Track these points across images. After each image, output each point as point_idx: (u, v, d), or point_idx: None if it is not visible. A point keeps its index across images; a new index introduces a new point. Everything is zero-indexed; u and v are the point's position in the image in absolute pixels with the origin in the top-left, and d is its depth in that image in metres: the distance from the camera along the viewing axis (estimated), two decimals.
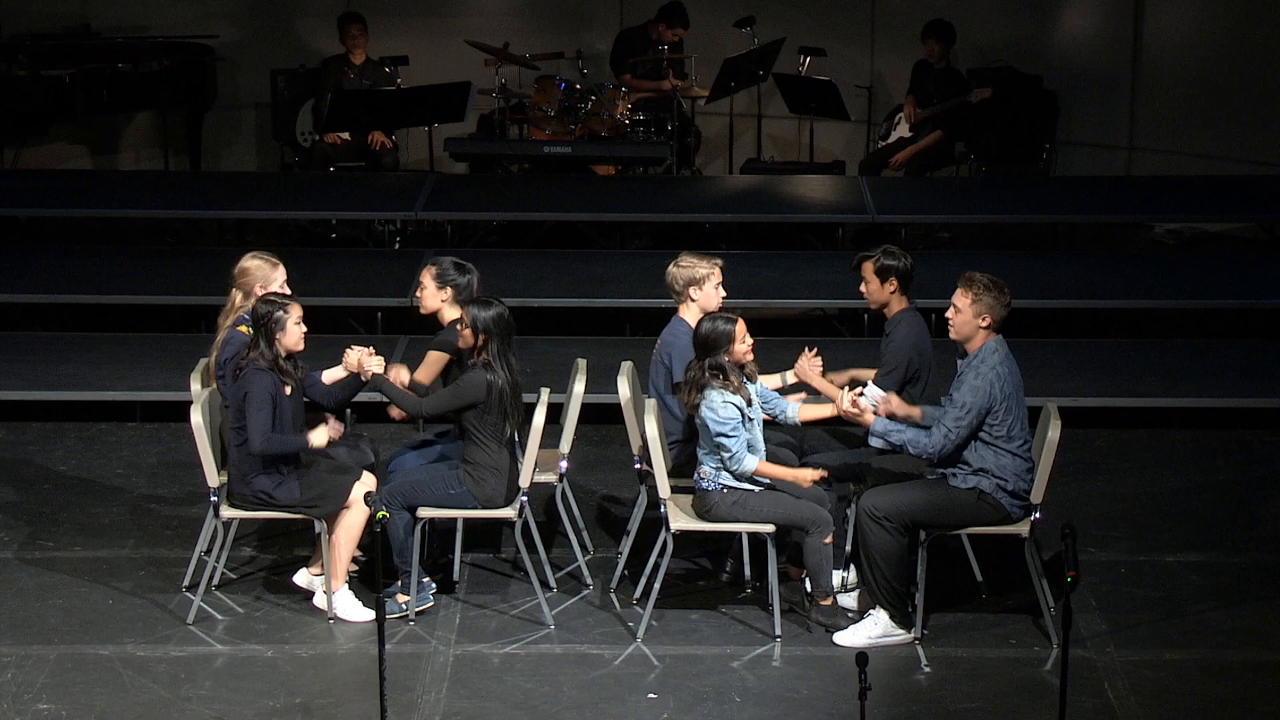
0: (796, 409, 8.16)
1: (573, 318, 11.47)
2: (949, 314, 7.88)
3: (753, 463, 7.91)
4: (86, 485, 9.64)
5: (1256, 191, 13.12)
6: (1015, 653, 7.92)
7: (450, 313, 8.34)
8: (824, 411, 8.13)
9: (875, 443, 7.91)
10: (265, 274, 8.36)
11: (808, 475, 7.96)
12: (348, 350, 8.24)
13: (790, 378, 8.33)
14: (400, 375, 8.27)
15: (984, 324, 7.82)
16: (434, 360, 8.37)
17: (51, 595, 8.39)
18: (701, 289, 8.35)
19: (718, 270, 8.41)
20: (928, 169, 13.79)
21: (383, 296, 11.32)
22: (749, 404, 7.90)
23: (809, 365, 8.25)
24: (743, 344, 7.91)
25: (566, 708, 7.47)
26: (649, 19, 14.30)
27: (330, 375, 8.25)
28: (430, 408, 8.16)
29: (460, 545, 8.55)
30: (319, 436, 8.00)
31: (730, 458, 7.87)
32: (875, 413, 7.93)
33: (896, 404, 7.99)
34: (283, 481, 7.99)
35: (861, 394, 8.02)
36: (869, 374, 8.33)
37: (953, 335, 7.91)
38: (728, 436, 7.84)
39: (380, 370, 8.14)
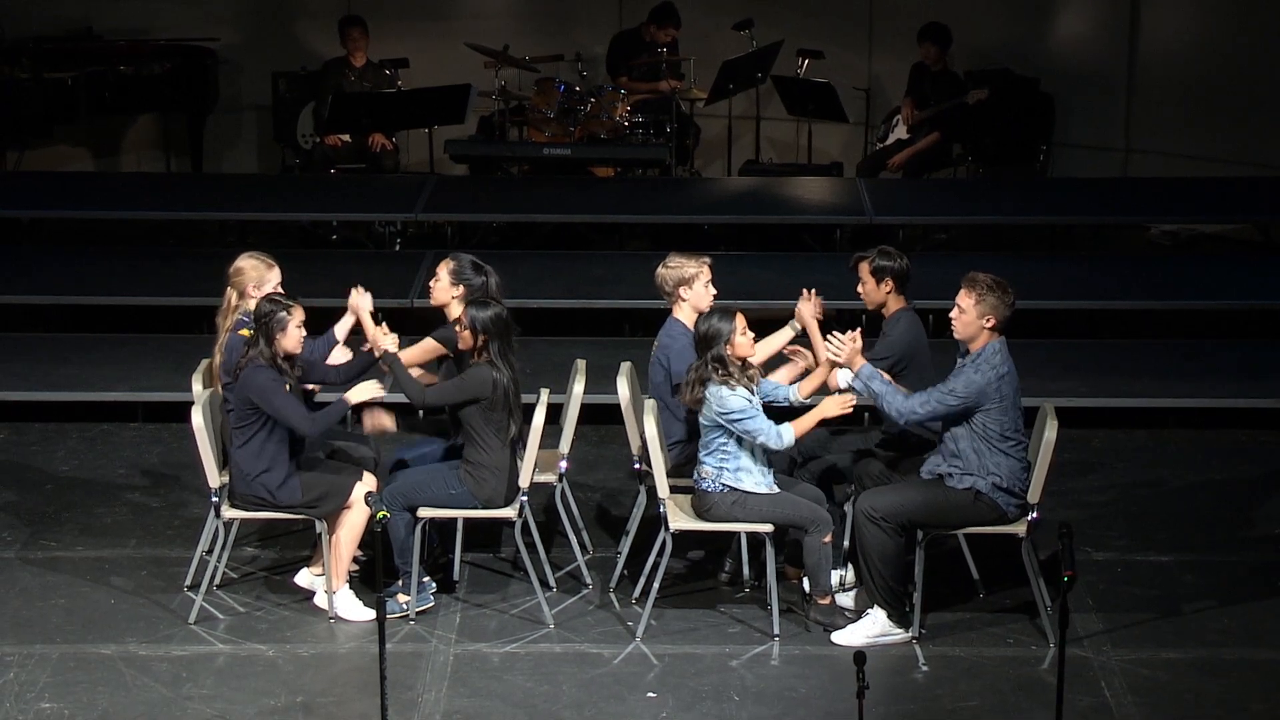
0: (796, 389, 8.17)
1: (572, 318, 11.51)
2: (952, 314, 7.91)
3: (790, 433, 7.88)
4: (88, 485, 9.68)
5: (1252, 193, 13.16)
6: (1012, 652, 7.96)
7: (456, 310, 8.36)
8: (820, 378, 8.12)
9: (857, 385, 7.89)
10: (260, 274, 8.38)
11: (836, 401, 7.90)
12: (355, 290, 8.27)
13: (797, 325, 8.37)
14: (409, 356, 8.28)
15: (988, 324, 7.85)
16: (428, 346, 8.41)
17: (54, 595, 8.43)
18: (692, 288, 8.39)
19: (706, 268, 8.44)
20: (925, 171, 13.82)
21: (383, 298, 11.27)
22: (752, 393, 7.94)
23: (806, 307, 8.31)
24: (743, 336, 7.95)
25: (566, 706, 7.51)
26: (643, 21, 14.36)
27: (337, 357, 8.29)
28: (434, 398, 8.16)
29: (460, 545, 8.58)
30: (360, 392, 8.03)
31: (766, 438, 7.83)
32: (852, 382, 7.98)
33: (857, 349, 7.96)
34: (285, 482, 8.02)
35: (854, 339, 7.96)
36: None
37: (956, 334, 7.94)
38: (750, 419, 7.85)
39: (394, 349, 8.16)
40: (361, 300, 8.33)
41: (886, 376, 8.00)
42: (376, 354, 8.19)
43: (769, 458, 8.02)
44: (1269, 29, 13.69)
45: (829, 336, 7.99)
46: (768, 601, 8.09)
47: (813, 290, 8.43)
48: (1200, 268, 12.39)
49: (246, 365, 7.94)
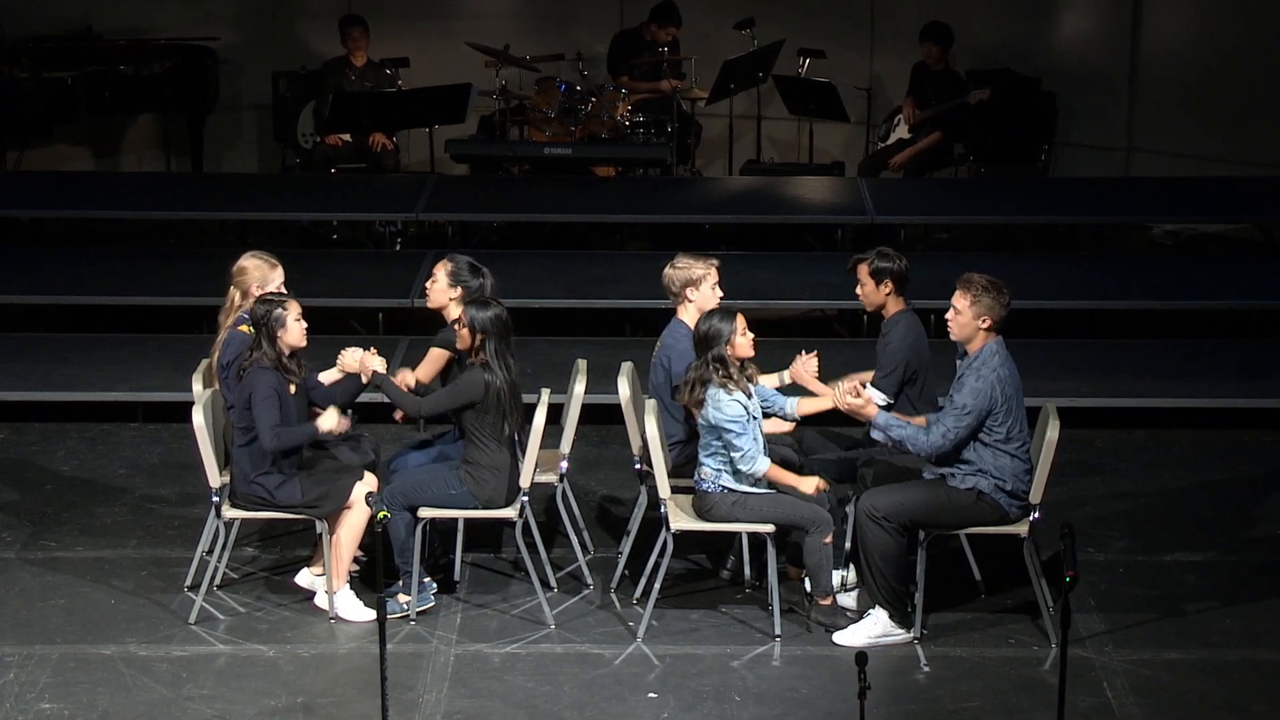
0: (795, 404, 8.20)
1: (573, 318, 11.50)
2: (948, 316, 7.90)
3: (765, 464, 7.92)
4: (89, 485, 9.67)
5: (1254, 193, 13.15)
6: (1014, 652, 7.95)
7: (455, 311, 8.36)
8: (823, 405, 8.17)
9: (876, 436, 7.92)
10: (264, 274, 8.37)
11: (812, 483, 7.99)
12: (344, 351, 8.27)
13: (787, 378, 8.37)
14: (405, 378, 8.31)
15: (984, 325, 7.85)
16: (435, 357, 8.42)
17: (54, 595, 8.42)
18: (698, 289, 8.37)
19: (714, 270, 8.42)
20: (927, 170, 13.81)
21: (384, 297, 11.35)
22: (749, 397, 7.94)
23: (804, 367, 8.29)
24: (743, 337, 7.95)
25: (567, 707, 7.50)
26: (643, 20, 14.35)
27: (328, 376, 8.29)
28: (429, 408, 8.20)
29: (461, 545, 8.57)
30: (328, 421, 8.02)
31: (741, 456, 7.88)
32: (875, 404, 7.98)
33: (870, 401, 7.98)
34: (285, 482, 8.02)
35: (863, 385, 8.01)
36: (867, 376, 8.34)
37: (953, 336, 7.94)
38: (738, 434, 7.86)
39: (382, 369, 8.18)
40: (371, 362, 8.24)
41: (902, 417, 7.97)
42: (365, 378, 8.19)
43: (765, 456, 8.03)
44: (1269, 29, 13.69)
45: (836, 384, 7.96)
46: (769, 602, 8.08)
47: (813, 352, 8.37)
48: (1201, 268, 12.38)
49: (251, 366, 7.94)
